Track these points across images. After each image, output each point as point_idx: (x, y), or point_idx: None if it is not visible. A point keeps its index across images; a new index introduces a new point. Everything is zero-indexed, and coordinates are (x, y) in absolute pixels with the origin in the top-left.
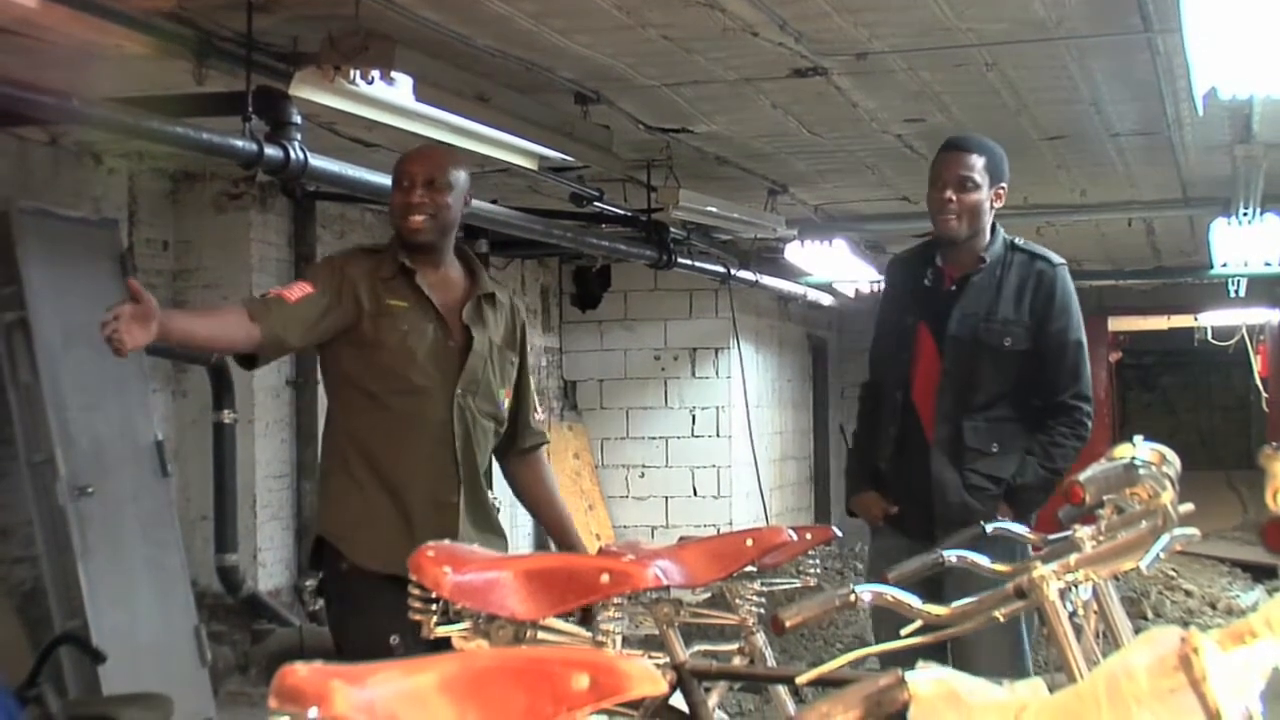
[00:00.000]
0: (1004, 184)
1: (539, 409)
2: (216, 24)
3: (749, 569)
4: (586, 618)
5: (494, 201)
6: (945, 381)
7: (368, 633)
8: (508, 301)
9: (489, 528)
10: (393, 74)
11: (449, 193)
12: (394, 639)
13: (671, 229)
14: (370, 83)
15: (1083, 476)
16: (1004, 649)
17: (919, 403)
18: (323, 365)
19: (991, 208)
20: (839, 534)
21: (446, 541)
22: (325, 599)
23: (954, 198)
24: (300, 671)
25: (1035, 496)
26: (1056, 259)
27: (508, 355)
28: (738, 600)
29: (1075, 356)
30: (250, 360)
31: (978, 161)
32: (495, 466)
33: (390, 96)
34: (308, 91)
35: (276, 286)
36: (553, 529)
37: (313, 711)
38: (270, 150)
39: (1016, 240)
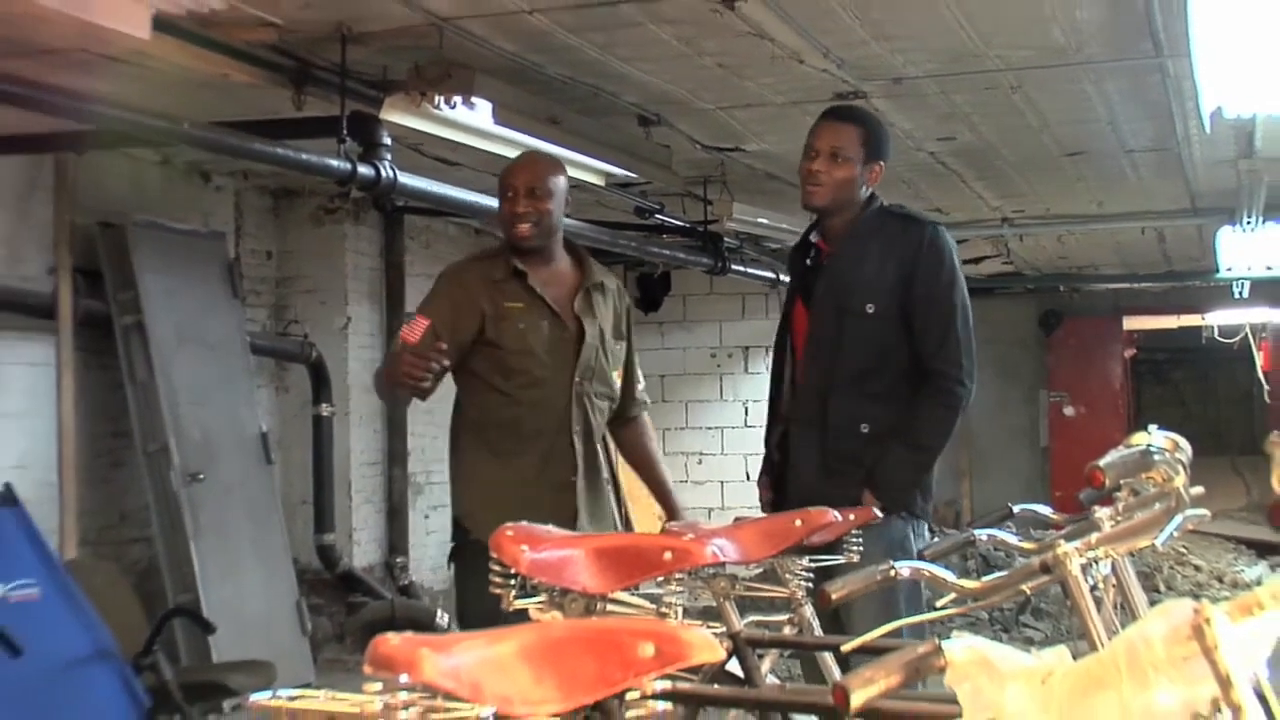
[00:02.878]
0: (882, 162)
1: (642, 380)
2: (314, 55)
3: (798, 546)
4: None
5: (566, 215)
6: (809, 352)
7: (487, 600)
8: (614, 287)
9: (603, 503)
10: (473, 99)
11: (549, 199)
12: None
13: (726, 239)
14: (453, 107)
15: (1103, 462)
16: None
17: (799, 378)
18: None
19: (865, 185)
20: (880, 515)
21: (524, 523)
22: (454, 569)
23: (822, 169)
24: (392, 641)
25: (901, 480)
26: (929, 218)
27: (617, 339)
28: (787, 575)
29: (943, 318)
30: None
31: (854, 134)
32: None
33: (471, 120)
34: (397, 116)
35: (404, 326)
36: (651, 486)
37: (404, 677)
38: (363, 169)
39: (893, 207)
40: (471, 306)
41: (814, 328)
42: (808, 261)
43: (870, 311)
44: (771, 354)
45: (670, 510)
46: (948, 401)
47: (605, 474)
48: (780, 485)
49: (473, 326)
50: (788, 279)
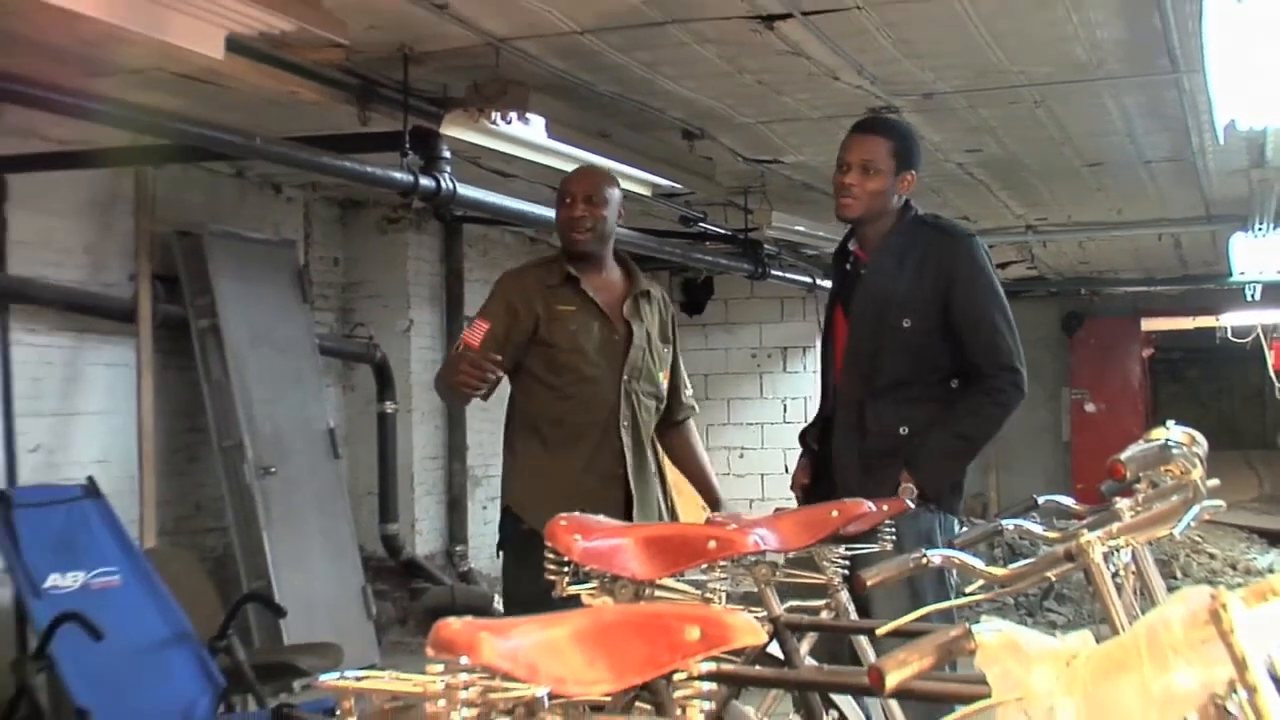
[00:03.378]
0: (914, 170)
1: (689, 386)
2: (378, 74)
3: (834, 535)
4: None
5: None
6: (847, 362)
7: (536, 584)
8: (659, 295)
9: (650, 495)
10: (527, 115)
11: (605, 207)
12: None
13: (765, 245)
14: (509, 123)
15: (1124, 456)
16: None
17: (839, 384)
18: None
19: (897, 195)
20: (912, 506)
21: (577, 513)
22: (504, 555)
23: (855, 182)
24: (453, 625)
25: (938, 464)
26: (963, 230)
27: (663, 343)
28: (824, 562)
29: (988, 329)
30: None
31: (884, 145)
32: None
33: (526, 134)
34: (456, 131)
35: (466, 329)
36: (697, 484)
37: (464, 658)
38: (424, 181)
39: (927, 217)
40: (527, 309)
41: (852, 338)
42: (847, 267)
43: (907, 326)
44: (819, 353)
45: (711, 501)
46: (1000, 400)
47: (653, 468)
48: (816, 475)
49: (528, 328)
50: (829, 283)
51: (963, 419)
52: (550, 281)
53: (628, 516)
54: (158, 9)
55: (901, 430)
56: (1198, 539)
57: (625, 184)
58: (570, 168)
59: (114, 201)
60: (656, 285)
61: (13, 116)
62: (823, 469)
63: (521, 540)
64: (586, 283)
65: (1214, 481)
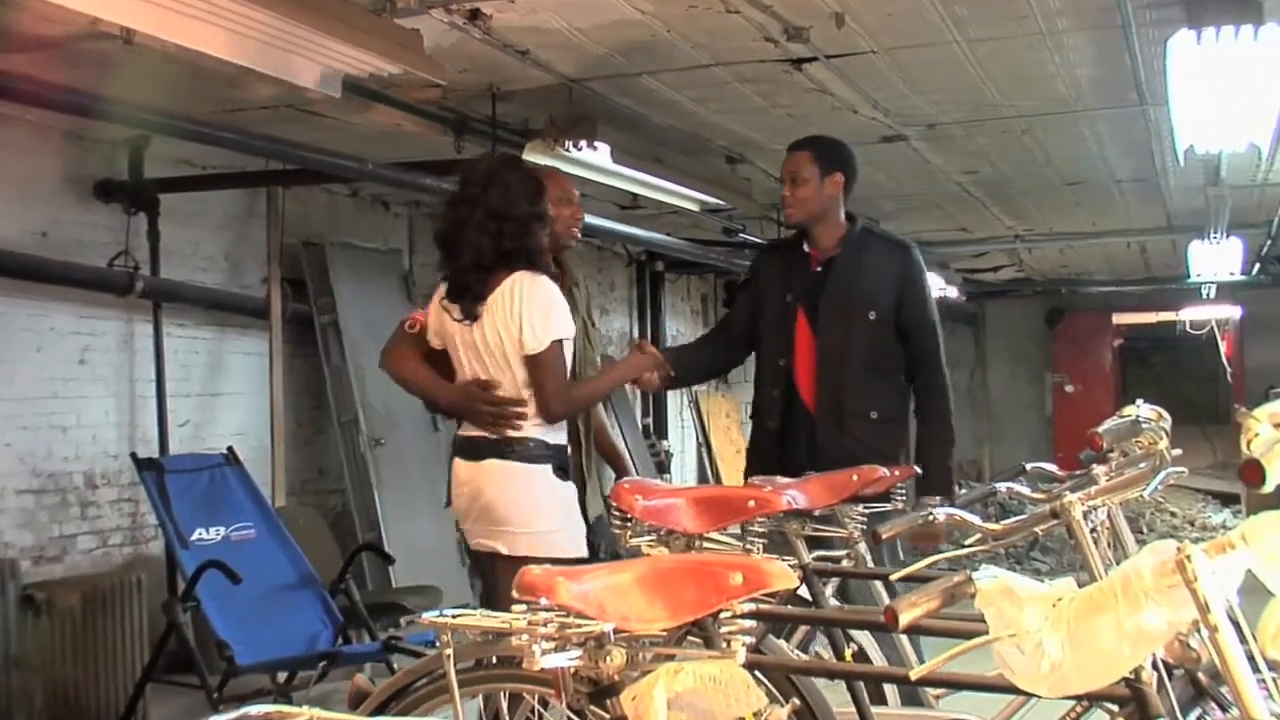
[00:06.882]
0: (840, 173)
1: (596, 365)
2: (470, 110)
3: (854, 496)
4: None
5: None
6: (821, 352)
7: None
8: (581, 279)
9: (593, 461)
10: (596, 144)
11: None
12: None
13: None
14: (580, 150)
15: (1100, 429)
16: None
17: (798, 374)
18: None
19: (830, 196)
20: (919, 472)
21: (637, 477)
22: None
23: (789, 193)
24: (535, 571)
25: (944, 477)
26: (908, 241)
27: (592, 326)
28: (846, 519)
29: (931, 333)
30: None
31: (805, 157)
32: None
33: (594, 160)
34: (536, 157)
35: (406, 315)
36: (606, 455)
37: (544, 599)
38: None
39: (870, 226)
40: None
41: (823, 333)
42: (800, 265)
43: (872, 318)
44: (766, 356)
45: (621, 471)
46: (946, 401)
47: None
48: (777, 452)
49: None
50: (768, 281)
51: (938, 428)
52: None
53: (581, 483)
54: (285, 54)
55: (872, 414)
56: (1161, 499)
57: (678, 201)
58: (631, 188)
59: (250, 217)
60: (579, 272)
61: (163, 145)
62: (777, 445)
63: None
64: None
65: (1177, 451)
